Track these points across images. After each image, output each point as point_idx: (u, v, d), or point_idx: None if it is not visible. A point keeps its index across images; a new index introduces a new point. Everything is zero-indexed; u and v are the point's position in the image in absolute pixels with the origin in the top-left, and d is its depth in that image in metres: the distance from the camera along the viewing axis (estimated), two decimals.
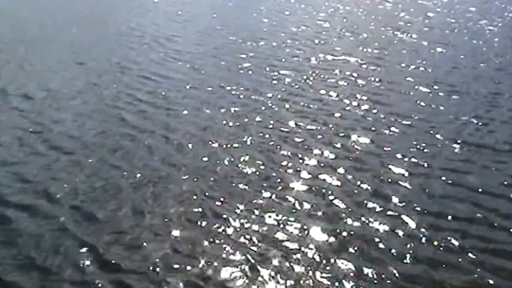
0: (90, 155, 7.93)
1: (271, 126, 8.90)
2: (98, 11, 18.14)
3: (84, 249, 5.83)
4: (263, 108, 9.66)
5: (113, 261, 5.67)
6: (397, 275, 5.42)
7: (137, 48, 13.52)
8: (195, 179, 7.27)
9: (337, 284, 5.32)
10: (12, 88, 10.53)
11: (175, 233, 6.14)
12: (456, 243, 5.91)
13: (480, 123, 8.93)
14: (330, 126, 8.92)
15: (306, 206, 6.63)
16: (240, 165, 7.65)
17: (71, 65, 12.07)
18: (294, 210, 6.56)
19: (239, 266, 5.58)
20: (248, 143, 8.33)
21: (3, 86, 10.65)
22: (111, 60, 12.47)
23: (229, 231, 6.17)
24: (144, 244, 5.93)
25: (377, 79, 11.20)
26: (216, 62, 12.36)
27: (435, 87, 10.70)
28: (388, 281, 5.34)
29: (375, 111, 9.54)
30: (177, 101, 9.97)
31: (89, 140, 8.39)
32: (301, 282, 5.36)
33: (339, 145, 8.27)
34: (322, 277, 5.42)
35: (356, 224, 6.29)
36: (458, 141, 8.32)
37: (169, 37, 14.55)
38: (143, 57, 12.71)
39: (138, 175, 7.36)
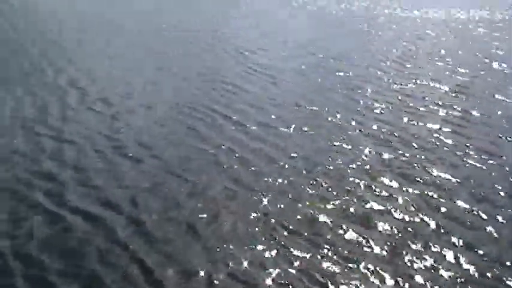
0: (156, 164, 7.81)
1: (344, 150, 8.36)
2: (184, 20, 18.39)
3: (135, 266, 5.65)
4: (338, 130, 9.13)
5: (164, 283, 5.43)
6: None
7: (221, 59, 13.47)
8: (258, 198, 6.93)
9: None
10: (93, 91, 10.78)
11: (232, 256, 5.81)
12: None
13: None
14: (406, 155, 8.26)
15: (373, 241, 6.08)
16: (307, 187, 7.21)
17: (151, 71, 12.20)
18: (359, 244, 6.03)
19: None
20: (318, 165, 7.84)
21: (86, 87, 10.93)
22: (192, 68, 12.48)
23: (288, 256, 5.79)
24: (197, 267, 5.63)
25: (463, 109, 10.25)
26: (297, 79, 11.99)
27: None
28: None
29: (455, 143, 8.71)
30: (250, 115, 9.69)
31: (158, 149, 8.29)
32: None
33: (411, 175, 7.64)
34: None
35: (420, 264, 5.74)
36: None
37: (253, 50, 14.40)
38: (225, 69, 12.61)
39: (201, 190, 7.13)
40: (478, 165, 7.95)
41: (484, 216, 6.60)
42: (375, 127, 9.30)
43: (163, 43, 14.73)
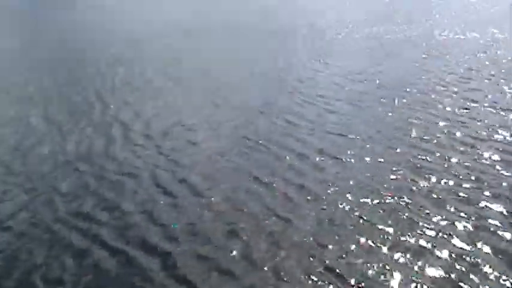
0: (196, 202, 7.65)
1: (395, 184, 7.88)
2: (241, 53, 18.45)
3: None
4: (395, 162, 8.64)
5: None
6: None
7: (270, 90, 13.31)
8: (302, 234, 6.66)
9: None
10: (153, 124, 11.05)
11: None
12: None
13: None
14: (461, 188, 7.67)
15: (429, 277, 5.66)
16: (372, 223, 6.85)
17: (207, 105, 12.20)
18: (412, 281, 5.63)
19: None
20: (366, 199, 7.44)
21: (147, 121, 11.22)
22: (247, 102, 12.36)
23: None
24: None
25: None
26: (349, 110, 11.47)
27: None
28: None
29: None
30: (299, 149, 9.39)
31: (201, 187, 8.14)
32: None
33: (463, 209, 7.08)
34: None
35: None
36: None
37: (304, 80, 14.15)
38: (275, 99, 12.40)
39: (240, 228, 6.91)
40: None
41: None
42: (428, 159, 8.69)
43: (219, 77, 14.87)
